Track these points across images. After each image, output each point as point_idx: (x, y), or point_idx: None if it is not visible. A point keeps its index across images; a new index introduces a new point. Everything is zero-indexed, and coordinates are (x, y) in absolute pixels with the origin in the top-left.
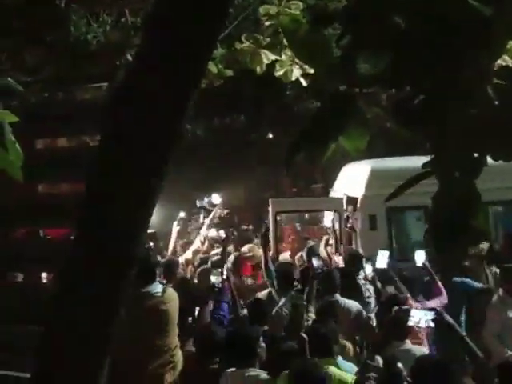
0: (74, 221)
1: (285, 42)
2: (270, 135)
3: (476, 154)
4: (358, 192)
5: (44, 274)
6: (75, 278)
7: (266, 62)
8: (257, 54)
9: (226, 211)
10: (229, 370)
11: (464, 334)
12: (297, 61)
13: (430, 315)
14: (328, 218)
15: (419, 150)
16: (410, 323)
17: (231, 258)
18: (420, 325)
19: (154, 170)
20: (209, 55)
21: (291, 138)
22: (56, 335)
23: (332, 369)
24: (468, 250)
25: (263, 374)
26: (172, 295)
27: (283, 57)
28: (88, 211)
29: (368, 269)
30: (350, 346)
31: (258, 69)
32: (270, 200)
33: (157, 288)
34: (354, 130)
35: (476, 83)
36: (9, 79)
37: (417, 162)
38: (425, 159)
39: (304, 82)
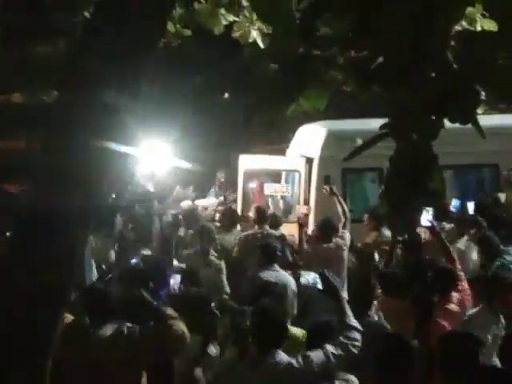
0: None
1: (243, 2)
2: (226, 95)
3: (433, 117)
4: (314, 153)
5: None
6: None
7: (223, 22)
8: (215, 14)
9: None
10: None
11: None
12: (255, 22)
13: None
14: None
15: (374, 113)
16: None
17: None
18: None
19: None
20: (168, 14)
21: (247, 99)
22: None
23: None
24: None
25: None
26: None
27: (241, 18)
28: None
29: None
30: None
31: (216, 29)
32: (239, 156)
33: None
34: (314, 91)
35: (434, 46)
36: None
37: (372, 124)
38: (381, 122)
39: (261, 44)
